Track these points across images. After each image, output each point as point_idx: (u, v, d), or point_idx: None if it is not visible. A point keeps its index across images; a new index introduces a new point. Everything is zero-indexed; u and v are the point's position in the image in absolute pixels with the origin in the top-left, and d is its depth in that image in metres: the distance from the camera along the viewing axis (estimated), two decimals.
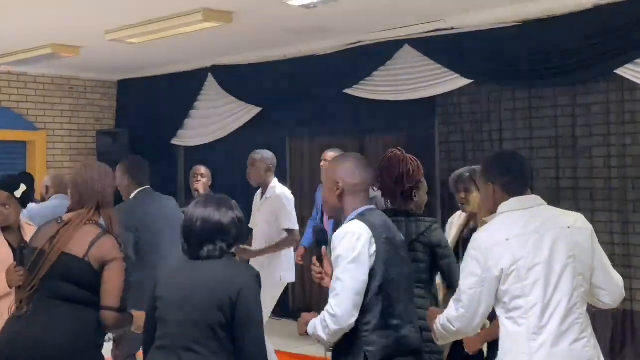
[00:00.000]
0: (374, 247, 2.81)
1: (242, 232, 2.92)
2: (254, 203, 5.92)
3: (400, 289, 2.87)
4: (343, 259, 2.79)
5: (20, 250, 3.49)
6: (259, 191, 5.87)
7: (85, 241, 3.11)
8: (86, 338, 3.10)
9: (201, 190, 6.49)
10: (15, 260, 3.59)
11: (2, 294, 3.66)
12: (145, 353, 2.92)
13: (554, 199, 5.93)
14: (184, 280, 2.81)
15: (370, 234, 2.81)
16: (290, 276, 5.74)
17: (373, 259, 2.80)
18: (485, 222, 2.95)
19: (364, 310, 2.80)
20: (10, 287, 3.55)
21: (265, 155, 5.75)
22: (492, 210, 2.91)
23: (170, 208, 5.00)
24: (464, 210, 4.25)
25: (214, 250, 2.81)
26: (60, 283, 3.09)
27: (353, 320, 2.78)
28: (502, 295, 2.72)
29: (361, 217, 2.89)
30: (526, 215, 2.80)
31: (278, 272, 5.55)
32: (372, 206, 2.98)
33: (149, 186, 4.98)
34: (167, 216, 4.81)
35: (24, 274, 3.22)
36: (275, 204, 5.59)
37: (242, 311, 2.70)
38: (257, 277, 2.86)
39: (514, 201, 2.83)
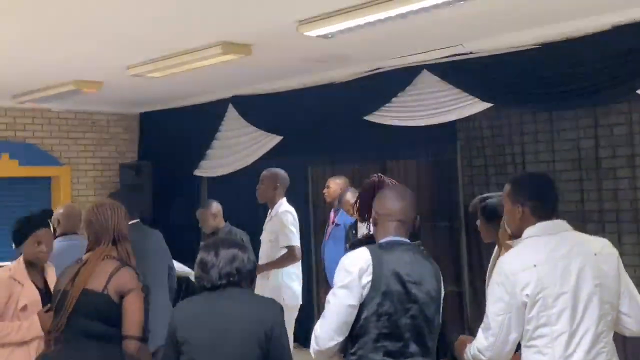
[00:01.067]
0: (368, 278, 2.75)
1: (254, 272, 2.99)
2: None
3: (398, 325, 2.76)
4: (336, 282, 2.80)
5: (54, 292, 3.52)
6: (269, 210, 5.88)
7: (103, 275, 3.18)
8: None
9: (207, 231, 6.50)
10: (45, 301, 3.62)
11: (35, 335, 3.66)
12: None
13: (579, 222, 5.86)
14: (214, 320, 2.79)
15: (370, 263, 2.76)
16: (292, 299, 5.67)
17: (366, 290, 2.74)
18: (509, 246, 2.92)
19: (353, 338, 2.76)
20: (44, 329, 3.57)
21: (274, 173, 5.76)
22: (516, 233, 2.89)
23: (154, 241, 5.15)
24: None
25: (224, 292, 2.83)
26: (84, 320, 3.14)
27: (333, 344, 2.74)
28: (526, 322, 2.69)
29: (374, 246, 2.87)
30: (553, 241, 2.76)
31: (280, 298, 5.49)
32: (399, 239, 2.91)
33: (138, 220, 5.09)
34: (151, 248, 4.95)
35: (51, 315, 3.26)
36: (276, 223, 5.60)
37: (276, 345, 2.75)
38: (282, 310, 2.90)
39: (541, 226, 2.80)
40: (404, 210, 2.97)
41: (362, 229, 5.77)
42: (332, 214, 6.94)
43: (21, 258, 3.98)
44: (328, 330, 2.74)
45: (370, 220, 3.05)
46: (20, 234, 3.99)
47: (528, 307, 2.67)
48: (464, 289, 6.97)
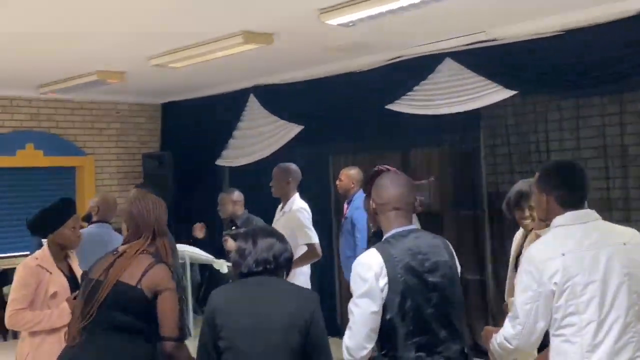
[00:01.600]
0: (384, 280, 2.71)
1: (290, 261, 2.99)
2: (275, 217, 5.91)
3: (423, 318, 2.74)
4: (354, 291, 2.77)
5: (82, 279, 3.53)
6: (280, 205, 5.86)
7: (138, 270, 3.14)
8: None
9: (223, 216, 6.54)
10: (72, 288, 3.64)
11: (65, 322, 3.65)
12: None
13: (605, 210, 5.80)
14: (253, 306, 2.81)
15: (382, 265, 2.72)
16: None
17: (385, 292, 2.71)
18: (538, 235, 2.90)
19: (382, 339, 2.75)
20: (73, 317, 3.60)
21: (285, 168, 5.75)
22: (544, 220, 2.86)
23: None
24: (526, 228, 4.00)
25: (261, 279, 2.86)
26: (114, 312, 3.12)
27: (365, 352, 2.75)
28: (554, 311, 2.67)
29: (382, 244, 2.83)
30: (581, 230, 2.73)
31: None
32: (405, 228, 2.86)
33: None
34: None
35: (80, 304, 3.26)
36: (292, 220, 5.58)
37: (315, 334, 2.78)
38: (319, 299, 2.93)
39: (569, 215, 2.77)
40: (402, 196, 2.88)
41: None
42: (345, 207, 6.83)
43: (46, 246, 4.00)
44: (358, 340, 2.73)
45: (371, 212, 2.98)
46: (58, 219, 4.00)
47: (556, 295, 2.65)
48: (486, 278, 6.93)
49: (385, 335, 2.74)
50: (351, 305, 2.77)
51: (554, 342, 2.70)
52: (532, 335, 2.71)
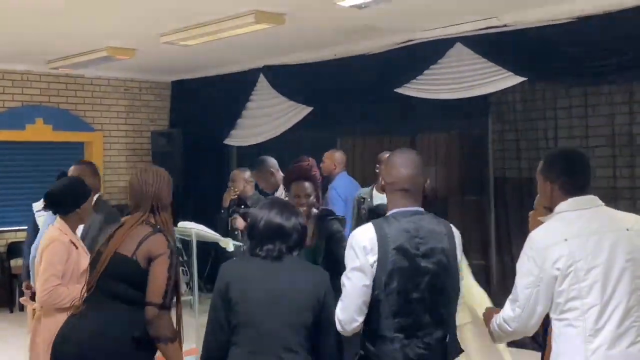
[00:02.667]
0: (374, 257, 2.71)
1: (302, 238, 2.98)
2: None
3: (408, 300, 2.73)
4: (347, 264, 2.79)
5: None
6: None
7: (135, 240, 3.16)
8: (134, 337, 3.12)
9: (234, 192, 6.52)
10: None
11: None
12: (209, 355, 2.88)
13: (611, 199, 5.81)
14: (268, 282, 2.82)
15: (375, 242, 2.72)
16: None
17: (374, 268, 2.72)
18: (540, 222, 2.91)
19: (368, 313, 2.77)
20: None
21: (265, 162, 5.81)
22: (548, 207, 2.88)
23: None
24: None
25: (272, 250, 2.86)
26: (112, 282, 3.16)
27: (356, 324, 2.77)
28: (556, 296, 2.69)
29: (380, 221, 2.82)
30: (585, 216, 2.75)
31: None
32: (410, 208, 2.82)
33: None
34: None
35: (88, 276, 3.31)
36: None
37: (326, 312, 2.81)
38: (329, 277, 2.95)
39: (572, 201, 2.78)
40: (411, 177, 2.83)
41: (379, 200, 5.75)
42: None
43: (63, 222, 3.97)
44: (349, 313, 2.76)
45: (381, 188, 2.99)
46: (84, 195, 4.03)
47: (559, 280, 2.67)
48: (491, 263, 6.96)
49: (371, 311, 2.76)
50: (344, 278, 2.79)
51: (556, 326, 2.73)
52: (531, 319, 2.73)
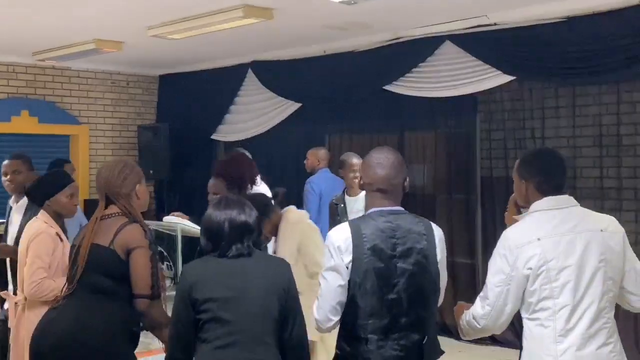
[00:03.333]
0: (349, 257, 2.69)
1: (261, 229, 3.05)
2: None
3: (384, 302, 2.69)
4: (324, 264, 2.78)
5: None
6: None
7: (111, 231, 3.17)
8: (114, 329, 3.14)
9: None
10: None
11: None
12: (173, 355, 2.86)
13: (598, 199, 5.83)
14: (232, 279, 2.81)
15: (350, 242, 2.70)
16: None
17: (349, 268, 2.70)
18: (515, 220, 2.91)
19: (342, 314, 2.76)
20: None
21: (238, 159, 5.78)
22: (524, 207, 2.88)
23: None
24: None
25: (243, 248, 2.86)
26: (91, 275, 3.16)
27: (331, 324, 2.78)
28: (528, 295, 2.69)
29: (356, 220, 2.81)
30: (559, 216, 2.75)
31: None
32: (387, 208, 2.79)
33: None
34: None
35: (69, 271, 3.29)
36: None
37: (290, 300, 2.83)
38: (290, 267, 2.98)
39: (547, 200, 2.78)
40: (387, 178, 2.79)
41: (353, 203, 5.70)
42: None
43: (46, 214, 3.95)
44: (325, 312, 2.75)
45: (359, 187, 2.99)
46: (54, 186, 3.98)
47: (530, 279, 2.67)
48: (477, 261, 6.97)
49: (347, 311, 2.74)
50: (320, 278, 2.78)
51: (527, 325, 2.72)
52: (500, 317, 2.73)
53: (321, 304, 2.76)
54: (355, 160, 5.79)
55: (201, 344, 2.77)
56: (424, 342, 2.74)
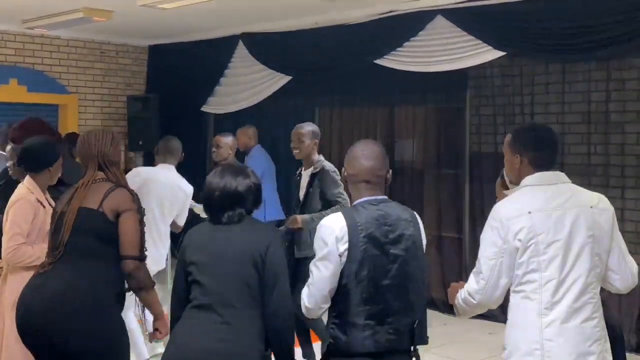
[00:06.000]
0: (344, 246, 2.74)
1: (259, 197, 3.07)
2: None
3: (378, 288, 2.77)
4: (316, 252, 2.83)
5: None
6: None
7: (99, 194, 3.26)
8: (102, 290, 3.20)
9: (216, 160, 6.54)
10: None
11: None
12: (173, 313, 3.02)
13: (585, 175, 5.88)
14: (214, 244, 2.93)
15: (345, 231, 2.75)
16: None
17: (344, 258, 2.74)
18: (504, 195, 2.94)
19: (334, 303, 2.81)
20: None
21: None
22: (515, 182, 2.90)
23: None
24: None
25: (233, 216, 2.96)
26: (80, 237, 3.21)
27: (320, 311, 2.85)
28: (516, 267, 2.72)
29: (349, 210, 2.87)
30: (550, 191, 2.78)
31: None
32: (376, 197, 2.86)
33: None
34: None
35: (50, 236, 3.32)
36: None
37: (270, 267, 2.86)
38: (281, 235, 3.06)
39: (539, 175, 2.81)
40: (373, 169, 2.87)
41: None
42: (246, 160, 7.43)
43: (32, 180, 3.94)
44: (315, 300, 2.81)
45: (341, 179, 3.02)
46: (56, 153, 4.03)
47: (519, 252, 2.70)
48: (464, 236, 7.03)
49: (339, 299, 2.79)
50: (311, 266, 2.83)
51: (514, 298, 2.76)
52: (495, 291, 2.76)
53: (313, 292, 2.81)
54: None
55: (188, 303, 2.94)
56: (414, 325, 2.84)
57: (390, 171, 2.96)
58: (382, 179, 2.91)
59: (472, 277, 2.83)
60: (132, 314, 4.70)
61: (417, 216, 2.96)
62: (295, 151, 5.17)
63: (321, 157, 5.16)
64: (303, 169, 5.23)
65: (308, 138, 5.12)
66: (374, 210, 2.82)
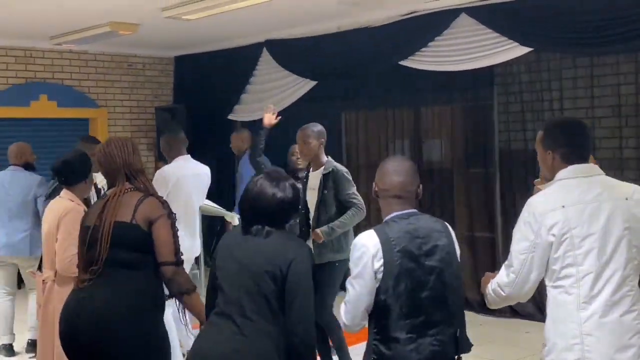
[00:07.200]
0: (380, 262, 2.75)
1: (292, 210, 3.02)
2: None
3: (417, 300, 2.77)
4: (351, 270, 2.84)
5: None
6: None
7: (130, 206, 3.25)
8: (146, 300, 3.24)
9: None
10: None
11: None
12: (206, 317, 3.07)
13: (617, 169, 5.81)
14: (240, 253, 2.92)
15: (379, 247, 2.76)
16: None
17: (380, 274, 2.75)
18: (539, 190, 2.92)
19: (374, 319, 2.82)
20: None
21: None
22: (550, 178, 2.88)
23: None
24: None
25: (261, 230, 2.92)
26: (116, 251, 3.22)
27: (362, 326, 2.87)
28: (552, 262, 2.70)
29: (381, 226, 2.87)
30: (584, 184, 2.76)
31: None
32: (404, 212, 2.88)
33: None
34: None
35: (82, 251, 3.34)
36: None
37: (291, 282, 2.81)
38: (309, 251, 2.96)
39: (572, 169, 2.79)
40: (403, 185, 2.89)
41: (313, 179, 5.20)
42: (237, 163, 7.86)
43: (72, 193, 4.08)
44: (353, 318, 2.84)
45: (373, 194, 3.02)
46: (90, 168, 4.16)
47: (554, 247, 2.68)
48: (496, 235, 6.97)
49: (379, 315, 2.80)
50: (348, 284, 2.86)
51: (551, 293, 2.74)
52: (525, 284, 2.75)
53: (350, 310, 2.84)
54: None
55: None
56: (457, 334, 2.85)
57: (421, 186, 2.96)
58: (413, 194, 2.92)
59: (503, 270, 2.83)
60: (171, 320, 4.75)
61: (449, 226, 2.97)
62: (300, 155, 5.17)
63: (329, 158, 5.10)
64: (311, 170, 5.17)
65: (314, 138, 5.05)
66: (406, 224, 2.84)
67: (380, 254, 2.76)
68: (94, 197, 5.10)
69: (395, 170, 2.92)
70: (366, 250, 2.77)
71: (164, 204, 3.32)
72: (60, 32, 7.98)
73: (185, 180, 5.28)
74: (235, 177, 7.83)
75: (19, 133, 8.66)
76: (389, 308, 2.76)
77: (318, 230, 4.86)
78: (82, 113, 9.13)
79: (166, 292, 3.34)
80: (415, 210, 2.92)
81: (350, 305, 2.83)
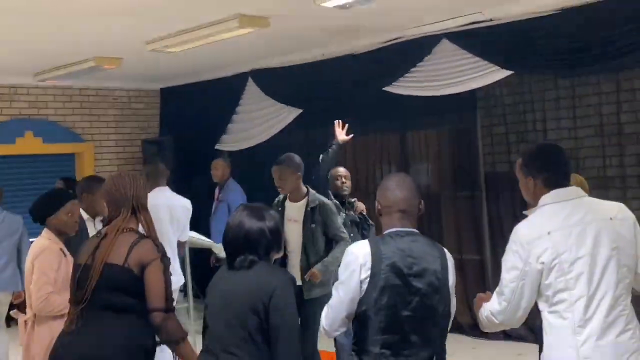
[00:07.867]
0: (367, 273, 2.76)
1: (274, 241, 2.99)
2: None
3: (397, 318, 2.76)
4: (339, 275, 2.87)
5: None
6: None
7: (123, 249, 3.18)
8: (134, 345, 3.17)
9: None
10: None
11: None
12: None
13: (601, 188, 5.84)
14: (224, 288, 2.93)
15: (368, 258, 2.77)
16: None
17: (365, 284, 2.76)
18: (525, 216, 2.93)
19: (355, 329, 2.83)
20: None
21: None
22: (533, 204, 2.90)
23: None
24: None
25: (244, 261, 2.91)
26: (106, 294, 3.16)
27: (338, 333, 2.92)
28: (544, 289, 2.71)
29: (376, 238, 2.89)
30: (568, 208, 2.78)
31: None
32: (405, 229, 2.88)
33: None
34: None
35: (72, 289, 3.30)
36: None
37: (274, 314, 2.80)
38: (291, 280, 2.95)
39: (555, 193, 2.82)
40: (406, 199, 2.91)
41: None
42: (217, 192, 7.88)
43: (49, 231, 4.02)
44: (332, 323, 2.87)
45: (375, 212, 3.03)
46: (54, 204, 4.06)
47: (544, 274, 2.70)
48: (485, 257, 6.98)
49: (358, 326, 2.81)
50: (333, 289, 2.88)
51: (546, 319, 2.75)
52: (516, 312, 2.77)
53: (330, 314, 2.87)
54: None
55: None
56: (432, 359, 2.83)
57: (422, 201, 2.97)
58: (416, 209, 2.94)
59: (494, 298, 2.84)
60: None
61: (447, 254, 2.94)
62: (278, 189, 5.08)
63: (310, 189, 5.04)
64: (288, 199, 5.08)
65: (289, 174, 4.97)
66: (401, 241, 2.84)
67: (369, 264, 2.77)
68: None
69: (397, 186, 2.95)
70: (355, 259, 2.79)
71: (159, 246, 3.24)
72: (43, 68, 8.00)
73: (156, 209, 5.17)
74: (215, 205, 7.83)
75: (4, 170, 8.66)
76: (367, 320, 2.77)
77: (315, 270, 4.81)
78: (68, 148, 9.12)
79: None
80: (415, 230, 2.92)
81: (332, 310, 2.85)
